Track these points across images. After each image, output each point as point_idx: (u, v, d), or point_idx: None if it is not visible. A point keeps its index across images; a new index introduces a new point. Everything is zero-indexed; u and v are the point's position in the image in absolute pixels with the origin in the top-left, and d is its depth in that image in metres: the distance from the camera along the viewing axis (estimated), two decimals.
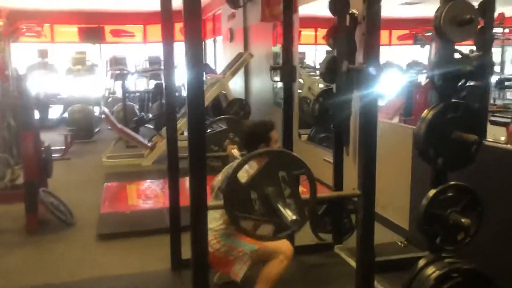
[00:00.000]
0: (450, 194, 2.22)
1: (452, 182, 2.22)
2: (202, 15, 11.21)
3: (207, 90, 7.17)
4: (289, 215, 1.74)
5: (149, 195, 5.15)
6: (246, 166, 2.01)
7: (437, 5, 2.10)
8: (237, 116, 6.97)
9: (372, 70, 1.93)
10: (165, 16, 2.89)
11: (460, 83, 2.20)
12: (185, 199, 2.21)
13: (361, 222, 2.10)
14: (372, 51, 1.96)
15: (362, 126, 2.06)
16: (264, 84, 7.11)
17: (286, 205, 1.81)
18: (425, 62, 6.23)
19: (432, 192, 2.20)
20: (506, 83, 6.25)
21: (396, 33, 6.65)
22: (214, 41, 11.35)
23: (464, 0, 2.09)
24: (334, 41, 3.15)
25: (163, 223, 3.79)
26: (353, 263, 3.16)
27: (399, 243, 3.53)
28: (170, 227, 3.15)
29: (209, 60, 11.15)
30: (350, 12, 3.03)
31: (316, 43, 6.82)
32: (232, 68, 6.93)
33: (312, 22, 6.56)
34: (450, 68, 2.12)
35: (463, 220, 2.13)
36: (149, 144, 6.98)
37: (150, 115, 8.91)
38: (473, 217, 2.22)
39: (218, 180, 2.73)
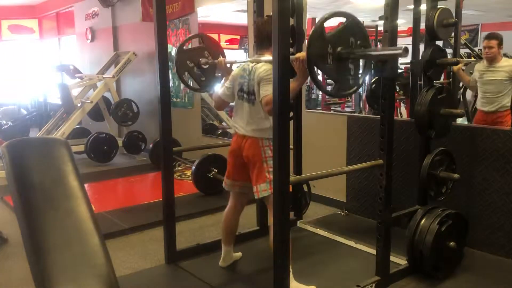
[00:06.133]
0: (438, 157, 2.86)
1: (441, 148, 2.87)
2: (41, 12, 10.44)
3: (85, 91, 6.83)
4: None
5: None
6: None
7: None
8: (125, 117, 6.81)
9: None
10: None
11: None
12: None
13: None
14: None
15: None
16: (148, 84, 7.08)
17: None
18: None
19: (429, 157, 2.82)
20: None
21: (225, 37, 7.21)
22: (59, 40, 10.60)
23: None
24: None
25: None
26: (321, 232, 3.65)
27: (342, 213, 4.15)
28: (164, 219, 3.17)
29: (60, 60, 10.35)
30: None
31: None
32: (117, 67, 6.73)
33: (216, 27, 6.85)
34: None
35: (455, 175, 2.79)
36: None
37: None
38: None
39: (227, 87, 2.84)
